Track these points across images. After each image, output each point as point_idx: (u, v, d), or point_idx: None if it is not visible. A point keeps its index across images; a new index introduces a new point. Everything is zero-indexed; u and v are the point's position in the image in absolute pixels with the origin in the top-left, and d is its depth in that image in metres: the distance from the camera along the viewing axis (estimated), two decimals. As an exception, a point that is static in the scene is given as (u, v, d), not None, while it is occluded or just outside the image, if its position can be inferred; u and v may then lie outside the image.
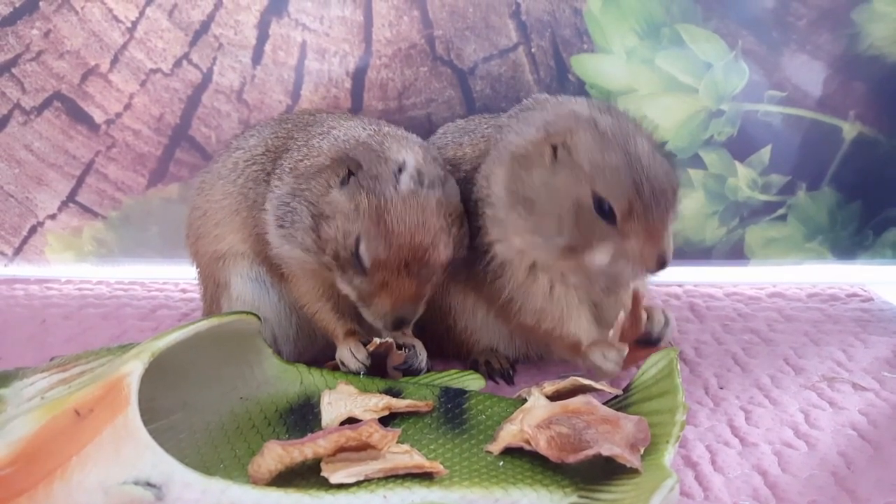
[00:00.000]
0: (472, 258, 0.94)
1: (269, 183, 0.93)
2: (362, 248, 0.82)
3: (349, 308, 0.92)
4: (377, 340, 0.87)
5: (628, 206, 0.83)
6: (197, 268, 1.08)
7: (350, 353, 0.88)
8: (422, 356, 0.91)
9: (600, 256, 0.85)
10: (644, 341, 0.89)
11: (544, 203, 0.87)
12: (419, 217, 0.82)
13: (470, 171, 0.96)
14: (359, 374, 0.88)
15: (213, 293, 1.02)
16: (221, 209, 0.99)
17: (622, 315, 0.87)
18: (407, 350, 0.90)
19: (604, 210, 0.83)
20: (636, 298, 0.88)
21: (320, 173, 0.87)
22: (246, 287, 0.99)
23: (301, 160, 0.91)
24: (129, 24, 1.32)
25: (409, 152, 0.87)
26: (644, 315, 0.90)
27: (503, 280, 0.93)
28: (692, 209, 1.36)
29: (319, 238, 0.85)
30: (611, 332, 0.88)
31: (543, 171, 0.88)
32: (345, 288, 0.87)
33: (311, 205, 0.86)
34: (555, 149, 0.87)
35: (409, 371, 0.91)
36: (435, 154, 0.94)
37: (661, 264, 0.84)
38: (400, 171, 0.84)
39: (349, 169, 0.85)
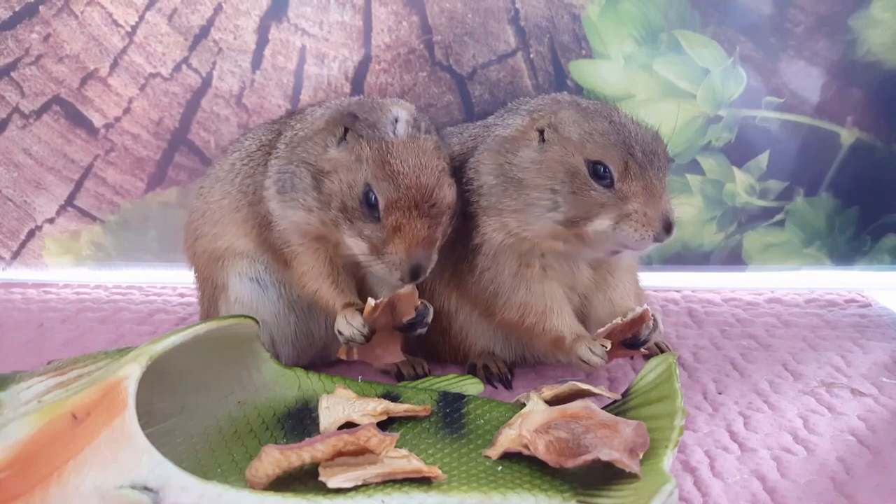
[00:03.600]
0: (458, 255, 0.94)
1: (267, 169, 0.94)
2: (374, 192, 0.83)
3: (349, 284, 0.93)
4: (371, 302, 0.85)
5: (624, 165, 0.83)
6: (195, 271, 1.08)
7: (346, 322, 0.87)
8: (430, 310, 0.89)
9: (602, 224, 0.84)
10: (630, 343, 0.90)
11: (535, 179, 0.88)
12: (421, 159, 0.84)
13: (458, 167, 0.97)
14: (355, 341, 0.86)
15: (210, 295, 1.02)
16: (220, 208, 1.00)
17: (619, 320, 0.87)
18: (418, 304, 0.87)
19: (599, 174, 0.84)
20: (643, 317, 0.87)
21: (316, 135, 0.89)
22: (244, 287, 0.99)
23: (296, 133, 0.93)
24: (128, 29, 1.32)
25: (400, 108, 0.89)
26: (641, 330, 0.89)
27: (492, 272, 0.93)
28: (690, 215, 1.36)
29: (321, 194, 0.86)
30: (600, 329, 0.89)
31: (531, 152, 0.89)
32: (355, 244, 0.86)
33: (309, 165, 0.87)
34: (541, 132, 0.89)
35: (417, 324, 0.88)
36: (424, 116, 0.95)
37: (668, 226, 0.83)
38: (395, 120, 0.86)
39: (345, 127, 0.86)
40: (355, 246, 0.86)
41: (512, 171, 0.90)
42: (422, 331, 0.89)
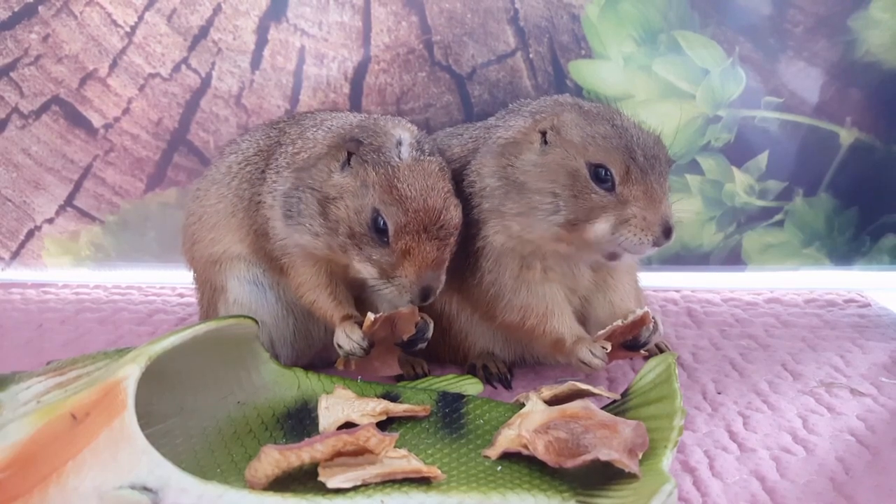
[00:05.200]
0: (459, 258, 0.94)
1: (265, 180, 0.94)
2: (383, 217, 0.83)
3: (347, 295, 0.93)
4: (371, 316, 0.85)
5: (625, 169, 0.83)
6: (193, 273, 1.07)
7: (345, 335, 0.87)
8: (430, 325, 0.90)
9: (601, 227, 0.85)
10: (630, 345, 0.90)
11: (537, 182, 0.88)
12: (427, 181, 0.84)
13: (458, 170, 0.97)
14: (355, 355, 0.87)
15: (209, 297, 1.02)
16: (216, 213, 1.00)
17: (619, 322, 0.88)
18: (418, 321, 0.88)
19: (601, 177, 0.84)
20: (643, 319, 0.87)
21: (319, 160, 0.89)
22: (243, 290, 0.99)
23: (297, 153, 0.93)
24: (127, 29, 1.32)
25: (402, 130, 0.90)
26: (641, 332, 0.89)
27: (494, 274, 0.93)
28: (689, 215, 1.36)
29: (328, 220, 0.86)
30: (600, 332, 0.89)
31: (533, 155, 0.89)
32: (364, 268, 0.86)
33: (315, 191, 0.87)
34: (543, 134, 0.89)
35: (417, 341, 0.89)
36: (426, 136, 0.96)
37: (667, 231, 0.83)
38: (399, 144, 0.87)
39: (348, 152, 0.86)
40: (364, 270, 0.86)
41: (514, 173, 0.90)
42: (422, 346, 0.89)
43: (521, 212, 0.89)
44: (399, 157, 0.85)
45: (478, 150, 0.97)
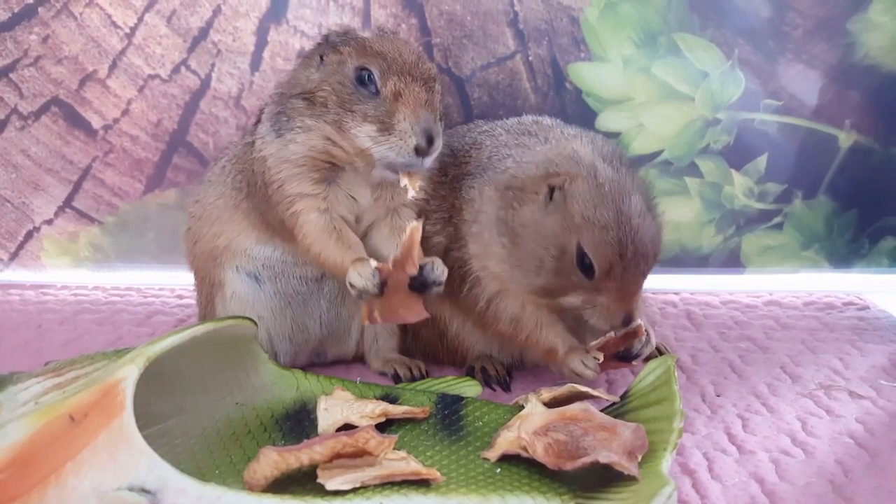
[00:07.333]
0: (450, 264, 0.93)
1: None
2: (367, 69, 0.86)
3: (356, 241, 0.93)
4: (373, 263, 0.84)
5: (608, 267, 0.84)
6: (194, 273, 1.08)
7: (357, 273, 0.85)
8: (443, 270, 0.86)
9: (572, 300, 0.87)
10: (622, 356, 0.90)
11: (530, 241, 0.87)
12: (398, 44, 0.89)
13: (456, 176, 0.97)
14: (368, 292, 0.84)
15: (208, 294, 1.03)
16: (216, 208, 1.01)
17: (612, 334, 0.88)
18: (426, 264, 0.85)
19: (584, 265, 0.85)
20: (636, 331, 0.88)
21: (297, 72, 0.94)
22: (241, 283, 0.99)
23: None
24: (127, 30, 1.32)
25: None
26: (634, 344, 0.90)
27: (480, 288, 0.94)
28: (689, 217, 1.37)
29: (316, 108, 0.89)
30: (593, 342, 0.90)
31: (535, 209, 0.88)
32: (362, 130, 0.86)
33: (298, 93, 0.91)
34: (551, 190, 0.87)
35: (429, 282, 0.85)
36: None
37: (626, 323, 0.86)
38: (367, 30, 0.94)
39: (320, 55, 0.91)
40: (362, 133, 0.86)
41: (512, 220, 0.88)
42: (438, 290, 0.86)
43: (506, 259, 0.90)
44: (368, 34, 0.91)
45: (479, 160, 0.96)
